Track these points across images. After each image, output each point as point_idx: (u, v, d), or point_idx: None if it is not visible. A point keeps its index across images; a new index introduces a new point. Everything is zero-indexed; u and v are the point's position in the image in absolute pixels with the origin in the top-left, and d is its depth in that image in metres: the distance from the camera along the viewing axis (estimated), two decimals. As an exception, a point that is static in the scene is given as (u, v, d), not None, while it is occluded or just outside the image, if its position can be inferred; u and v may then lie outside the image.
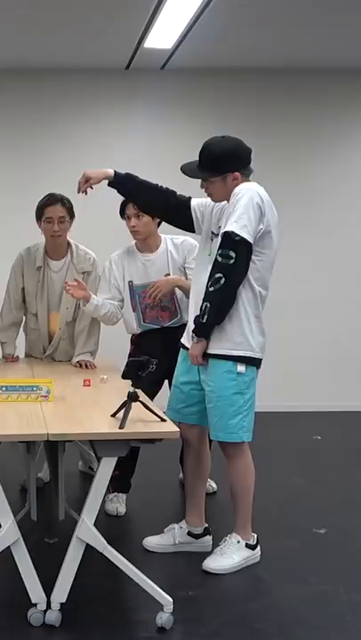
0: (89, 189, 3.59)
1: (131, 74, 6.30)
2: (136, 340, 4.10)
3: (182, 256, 4.03)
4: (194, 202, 3.56)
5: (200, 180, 3.41)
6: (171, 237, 4.06)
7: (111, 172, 3.56)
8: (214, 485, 4.33)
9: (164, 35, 5.31)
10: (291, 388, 6.54)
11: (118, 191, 3.63)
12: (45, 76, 6.23)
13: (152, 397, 3.85)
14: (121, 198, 3.90)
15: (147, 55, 5.78)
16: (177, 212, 3.58)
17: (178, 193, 3.60)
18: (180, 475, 4.32)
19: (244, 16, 5.01)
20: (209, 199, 3.49)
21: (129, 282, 4.03)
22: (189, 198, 3.57)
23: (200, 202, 3.55)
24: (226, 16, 4.95)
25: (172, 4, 4.66)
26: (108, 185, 3.58)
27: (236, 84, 6.35)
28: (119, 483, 4.00)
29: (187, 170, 3.42)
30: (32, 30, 5.25)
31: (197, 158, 3.40)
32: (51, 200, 4.14)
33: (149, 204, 3.67)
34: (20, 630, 2.85)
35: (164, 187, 3.60)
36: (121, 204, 4.01)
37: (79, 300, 4.12)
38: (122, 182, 3.57)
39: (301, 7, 4.84)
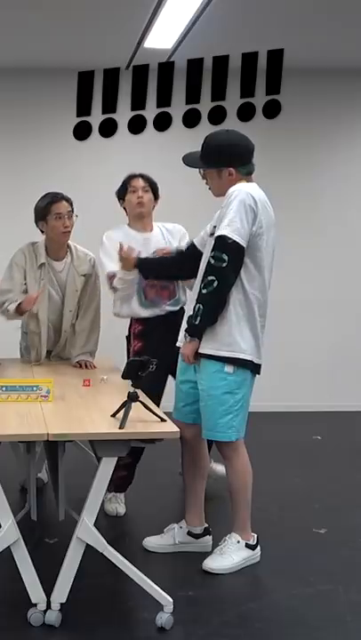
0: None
1: (131, 74, 6.29)
2: (141, 332, 4.04)
3: (177, 239, 4.08)
4: (195, 240, 3.64)
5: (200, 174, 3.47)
6: (162, 223, 4.14)
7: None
8: (222, 469, 4.23)
9: (164, 35, 5.31)
10: (291, 388, 6.54)
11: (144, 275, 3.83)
12: (45, 76, 6.22)
13: (160, 396, 3.89)
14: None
15: (147, 55, 5.78)
16: (191, 262, 3.58)
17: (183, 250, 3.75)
18: (180, 469, 4.34)
19: (244, 16, 5.01)
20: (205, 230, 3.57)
21: None
22: (192, 243, 3.67)
23: (199, 236, 3.62)
24: (226, 16, 4.95)
25: (172, 3, 4.66)
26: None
27: (236, 84, 6.34)
28: (125, 483, 4.02)
29: (186, 159, 3.49)
30: (32, 30, 5.25)
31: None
32: (56, 197, 4.11)
33: (172, 274, 3.84)
34: (20, 630, 2.85)
35: (173, 256, 3.78)
36: (123, 181, 4.07)
37: (81, 301, 4.21)
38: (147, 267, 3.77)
39: (301, 7, 4.84)
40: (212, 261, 3.23)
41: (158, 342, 3.82)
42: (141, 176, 4.08)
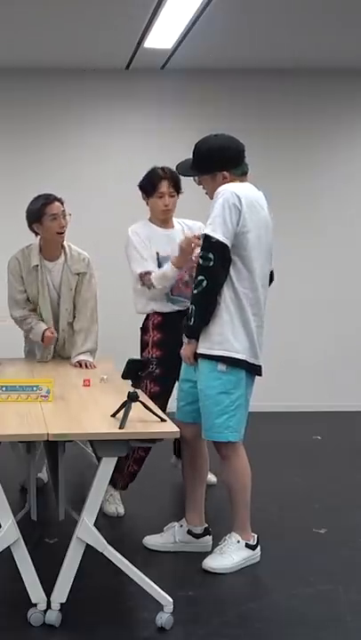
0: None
1: (131, 74, 6.30)
2: (160, 324, 4.05)
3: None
4: None
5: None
6: (182, 220, 4.16)
7: None
8: (214, 479, 4.32)
9: (164, 35, 5.31)
10: (291, 388, 6.53)
11: None
12: (45, 76, 6.23)
13: (170, 391, 3.97)
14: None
15: (147, 55, 5.78)
16: None
17: None
18: (172, 459, 4.44)
19: (245, 16, 5.01)
20: None
21: (156, 252, 4.03)
22: None
23: None
24: (226, 16, 4.95)
25: (172, 3, 4.65)
26: None
27: (237, 84, 6.36)
28: (132, 478, 4.04)
29: (179, 168, 3.49)
30: (32, 30, 5.24)
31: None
32: (49, 198, 4.14)
33: None
34: (20, 630, 2.85)
35: None
36: (150, 178, 4.03)
37: (76, 300, 4.22)
38: None
39: (302, 7, 4.84)
40: (201, 261, 3.26)
41: (176, 334, 3.84)
42: (167, 177, 4.00)
